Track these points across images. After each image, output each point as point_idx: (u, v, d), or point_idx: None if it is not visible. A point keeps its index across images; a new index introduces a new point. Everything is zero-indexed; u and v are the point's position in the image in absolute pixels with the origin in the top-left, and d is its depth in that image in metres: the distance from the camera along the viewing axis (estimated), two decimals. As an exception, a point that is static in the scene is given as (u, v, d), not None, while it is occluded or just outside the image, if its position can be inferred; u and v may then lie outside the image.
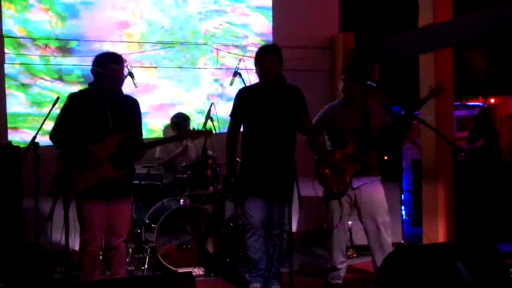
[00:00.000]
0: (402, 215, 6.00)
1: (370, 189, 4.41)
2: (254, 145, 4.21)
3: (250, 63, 4.90)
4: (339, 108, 4.50)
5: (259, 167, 4.17)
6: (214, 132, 5.07)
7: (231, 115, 4.31)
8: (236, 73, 5.46)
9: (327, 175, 4.40)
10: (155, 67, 6.31)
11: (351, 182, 4.37)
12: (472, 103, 12.18)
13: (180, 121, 5.67)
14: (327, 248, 4.57)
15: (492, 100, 12.60)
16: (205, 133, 4.26)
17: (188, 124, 5.65)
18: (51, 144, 3.92)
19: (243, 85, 5.10)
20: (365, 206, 4.41)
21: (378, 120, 4.43)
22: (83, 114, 3.83)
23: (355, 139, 4.37)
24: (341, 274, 4.52)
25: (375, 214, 4.39)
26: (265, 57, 4.14)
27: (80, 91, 4.00)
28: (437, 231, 5.75)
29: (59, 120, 3.89)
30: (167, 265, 4.81)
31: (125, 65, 3.89)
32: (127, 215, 4.10)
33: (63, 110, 3.90)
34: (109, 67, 3.83)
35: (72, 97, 3.93)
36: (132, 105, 4.05)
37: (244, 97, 4.27)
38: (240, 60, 5.61)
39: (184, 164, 5.35)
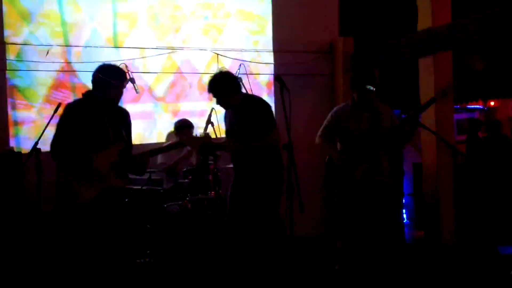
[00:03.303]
0: (403, 219, 6.02)
1: (377, 190, 4.44)
2: None
3: (250, 68, 4.92)
4: (349, 111, 4.55)
5: None
6: (215, 137, 5.09)
7: None
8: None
9: (338, 176, 4.44)
10: (156, 72, 6.34)
11: (361, 182, 4.39)
12: (472, 106, 12.23)
13: (181, 126, 5.70)
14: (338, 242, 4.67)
15: (492, 103, 12.63)
16: (205, 139, 4.27)
17: (191, 132, 5.67)
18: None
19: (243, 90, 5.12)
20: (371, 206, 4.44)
21: (387, 122, 4.47)
22: (84, 124, 3.79)
23: (365, 141, 4.40)
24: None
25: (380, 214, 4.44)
26: None
27: (77, 102, 3.97)
28: (438, 234, 5.76)
29: (61, 133, 3.82)
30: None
31: (127, 70, 3.89)
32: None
33: (64, 122, 3.84)
34: (119, 83, 3.87)
35: (70, 108, 3.88)
36: (125, 115, 4.08)
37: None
38: (240, 65, 5.61)
39: (185, 169, 5.36)
